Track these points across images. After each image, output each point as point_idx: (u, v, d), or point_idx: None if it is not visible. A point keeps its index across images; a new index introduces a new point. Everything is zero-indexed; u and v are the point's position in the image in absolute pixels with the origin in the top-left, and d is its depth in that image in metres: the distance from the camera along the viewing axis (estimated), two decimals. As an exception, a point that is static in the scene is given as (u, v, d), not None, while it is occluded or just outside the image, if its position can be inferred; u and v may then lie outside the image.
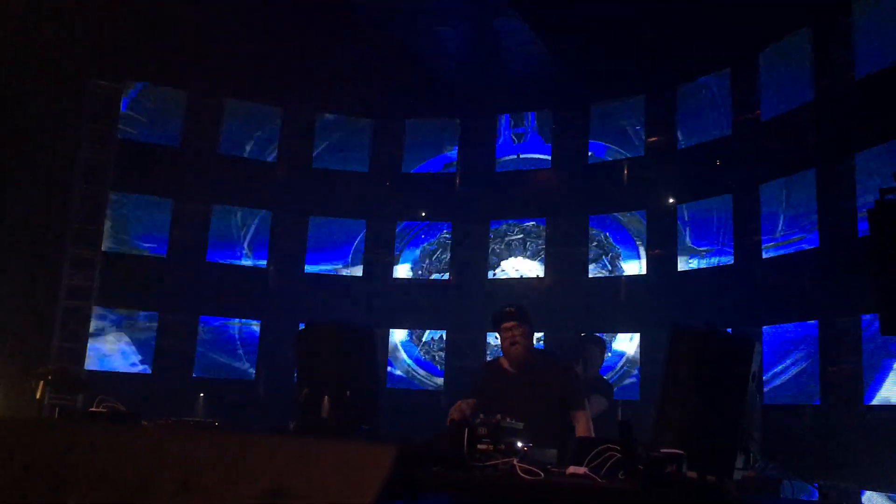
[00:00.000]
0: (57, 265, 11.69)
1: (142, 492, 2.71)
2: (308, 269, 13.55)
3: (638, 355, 11.84)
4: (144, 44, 11.71)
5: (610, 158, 12.81)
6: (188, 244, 12.92)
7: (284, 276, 13.28)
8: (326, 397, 3.81)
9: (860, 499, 7.87)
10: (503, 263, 13.39)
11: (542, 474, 2.80)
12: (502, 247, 13.48)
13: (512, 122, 13.71)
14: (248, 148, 13.64)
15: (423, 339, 13.56)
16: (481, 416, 3.34)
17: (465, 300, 13.08)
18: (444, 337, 13.39)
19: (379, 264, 13.65)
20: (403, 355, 13.45)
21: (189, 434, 3.28)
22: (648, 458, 2.78)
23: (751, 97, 10.82)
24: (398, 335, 13.57)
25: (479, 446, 3.12)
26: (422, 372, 13.39)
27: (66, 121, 11.62)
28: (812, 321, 9.45)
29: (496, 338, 4.59)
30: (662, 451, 2.81)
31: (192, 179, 12.93)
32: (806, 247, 9.74)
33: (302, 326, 4.39)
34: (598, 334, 7.60)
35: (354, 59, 12.45)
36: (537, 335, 5.50)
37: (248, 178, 13.32)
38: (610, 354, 10.89)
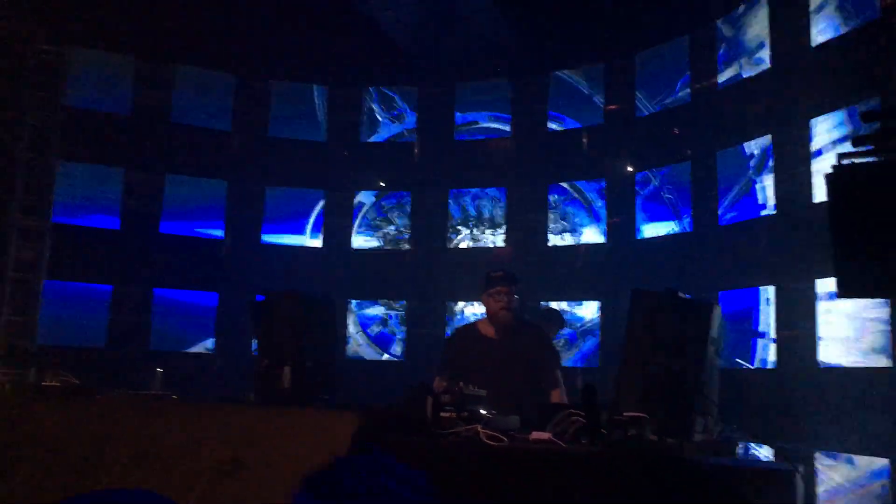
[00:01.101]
0: (4, 237, 11.36)
1: (94, 463, 2.64)
2: (265, 239, 13.37)
3: (598, 320, 11.95)
4: (90, 7, 11.31)
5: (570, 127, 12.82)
6: (141, 215, 12.62)
7: (241, 248, 13.08)
8: (287, 367, 3.77)
9: (814, 460, 8.10)
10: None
11: (506, 440, 2.80)
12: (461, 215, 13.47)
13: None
14: (201, 116, 13.33)
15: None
16: (445, 382, 3.32)
17: (425, 270, 13.04)
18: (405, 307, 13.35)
19: (337, 235, 13.51)
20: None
21: (142, 406, 3.20)
22: (611, 421, 2.80)
23: (709, 65, 10.86)
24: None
25: (442, 414, 3.11)
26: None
27: (8, 88, 11.22)
28: (768, 286, 9.60)
29: (473, 304, 4.60)
30: (625, 414, 2.82)
31: (145, 148, 12.59)
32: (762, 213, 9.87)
33: (261, 298, 4.31)
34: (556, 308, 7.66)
35: (310, 25, 12.20)
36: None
37: (202, 147, 13.03)
38: (566, 329, 11.00)
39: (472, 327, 4.70)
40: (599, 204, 12.41)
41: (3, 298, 11.17)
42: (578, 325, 11.96)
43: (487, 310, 4.47)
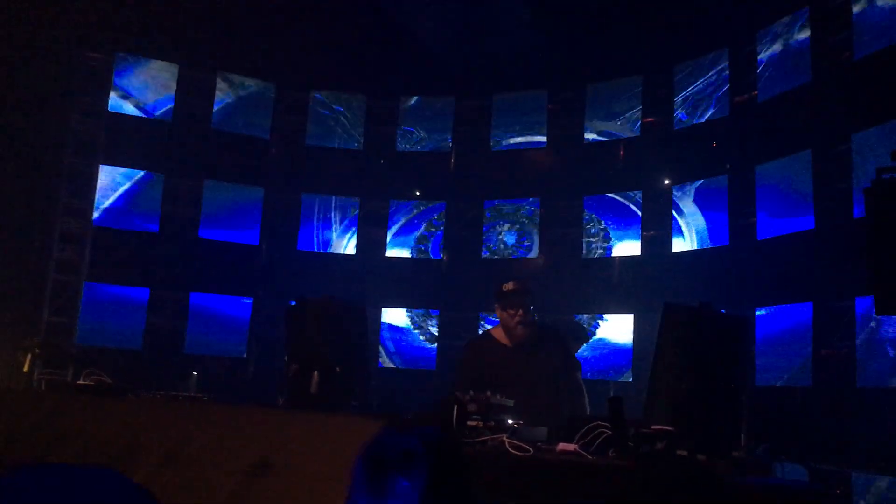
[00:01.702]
0: (47, 239, 11.62)
1: (126, 462, 2.67)
2: (300, 246, 13.49)
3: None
4: (135, 15, 11.55)
5: (606, 139, 12.75)
6: (180, 220, 12.82)
7: (277, 254, 13.22)
8: (316, 373, 3.78)
9: (850, 481, 7.91)
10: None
11: (532, 450, 2.78)
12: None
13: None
14: (240, 123, 13.52)
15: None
16: (471, 392, 3.31)
17: (458, 280, 13.05)
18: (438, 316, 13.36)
19: (372, 243, 13.58)
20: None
21: (175, 406, 3.24)
22: (638, 434, 2.76)
23: (748, 78, 10.75)
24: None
25: (468, 422, 3.10)
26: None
27: (55, 93, 11.50)
28: (806, 303, 9.44)
29: (490, 316, 4.50)
30: (653, 427, 2.79)
31: (185, 154, 12.80)
32: (801, 229, 9.72)
33: (292, 303, 4.32)
34: (583, 325, 7.57)
35: (349, 35, 12.33)
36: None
37: (240, 154, 13.21)
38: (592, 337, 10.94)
39: (487, 336, 4.50)
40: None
41: (45, 299, 11.43)
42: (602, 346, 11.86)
43: (502, 322, 4.33)
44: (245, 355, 13.00)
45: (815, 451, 7.69)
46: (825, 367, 8.90)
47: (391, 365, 13.24)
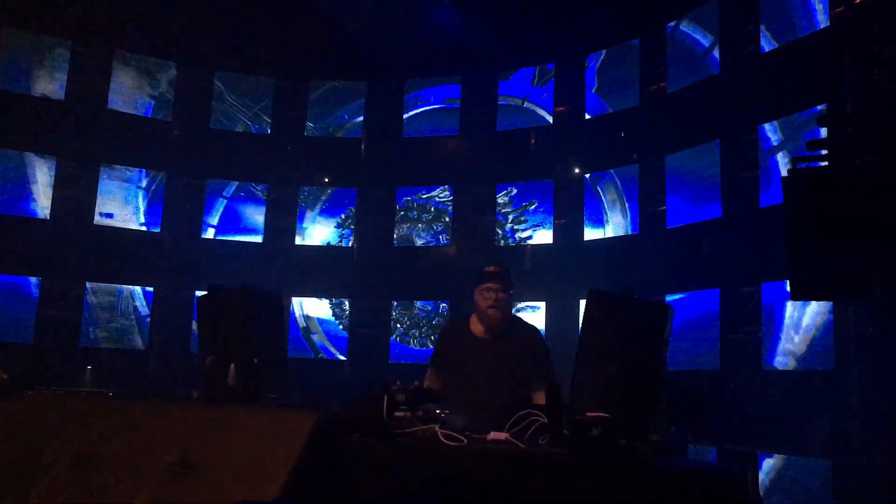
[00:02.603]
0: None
1: (34, 464, 2.46)
2: (205, 234, 13.05)
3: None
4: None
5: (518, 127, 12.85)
6: (74, 206, 12.16)
7: (180, 242, 12.72)
8: (233, 364, 3.62)
9: (756, 460, 8.25)
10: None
11: (465, 440, 2.73)
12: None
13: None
14: (139, 105, 12.94)
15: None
16: (398, 381, 3.24)
17: (369, 268, 12.91)
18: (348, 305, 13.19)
19: (281, 231, 13.27)
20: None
21: (82, 404, 3.03)
22: (576, 421, 2.74)
23: (658, 69, 11.00)
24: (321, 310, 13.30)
25: (397, 413, 3.03)
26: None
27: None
28: (714, 289, 9.75)
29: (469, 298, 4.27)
30: (589, 414, 2.78)
31: (77, 136, 12.14)
32: (709, 217, 10.03)
33: (202, 292, 4.12)
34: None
35: (258, 16, 11.97)
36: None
37: (140, 137, 12.64)
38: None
39: (464, 324, 4.36)
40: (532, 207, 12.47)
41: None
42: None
43: (477, 305, 4.14)
44: (144, 347, 12.50)
45: (725, 432, 7.97)
46: (732, 351, 9.22)
47: (303, 354, 13.01)
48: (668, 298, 9.98)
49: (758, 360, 8.82)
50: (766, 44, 9.46)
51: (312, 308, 13.23)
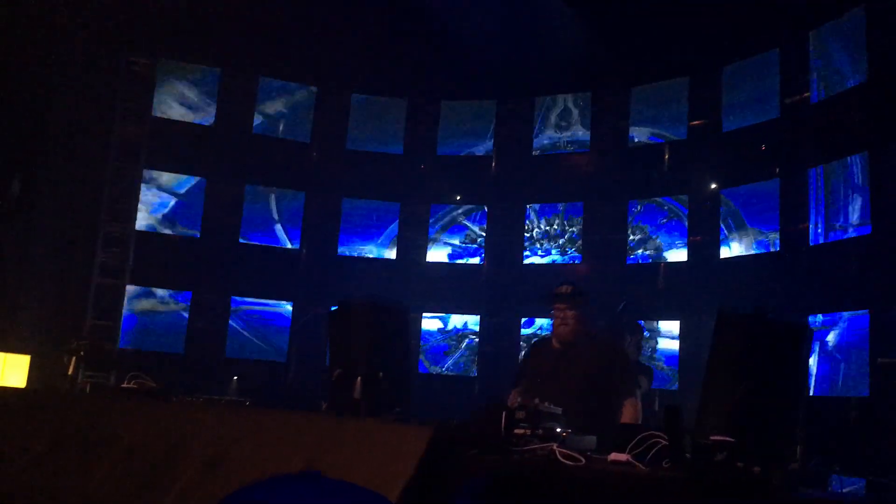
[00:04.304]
0: (91, 242, 11.78)
1: (170, 466, 2.64)
2: (341, 251, 13.50)
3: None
4: (177, 20, 11.67)
5: (651, 141, 12.54)
6: (222, 224, 12.91)
7: (317, 259, 13.23)
8: (359, 378, 3.73)
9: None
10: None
11: (584, 460, 2.69)
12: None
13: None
14: (281, 128, 13.58)
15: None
16: (519, 399, 3.24)
17: (499, 285, 12.94)
18: (478, 323, 13.25)
19: (412, 248, 13.53)
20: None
21: (218, 410, 3.20)
22: (697, 445, 2.65)
23: (800, 78, 10.46)
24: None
25: (516, 430, 3.02)
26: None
27: (100, 98, 11.66)
28: (862, 311, 9.13)
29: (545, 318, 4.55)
30: (712, 438, 2.67)
31: (226, 158, 12.89)
32: (857, 234, 9.42)
33: (334, 307, 4.27)
34: (639, 321, 7.36)
35: (389, 38, 12.31)
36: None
37: (281, 158, 13.28)
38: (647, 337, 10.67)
39: (546, 340, 4.71)
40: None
41: (89, 302, 11.59)
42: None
43: (553, 323, 4.48)
44: (285, 360, 13.04)
45: (873, 463, 7.42)
46: (883, 377, 8.59)
47: (433, 370, 13.17)
48: (811, 319, 9.44)
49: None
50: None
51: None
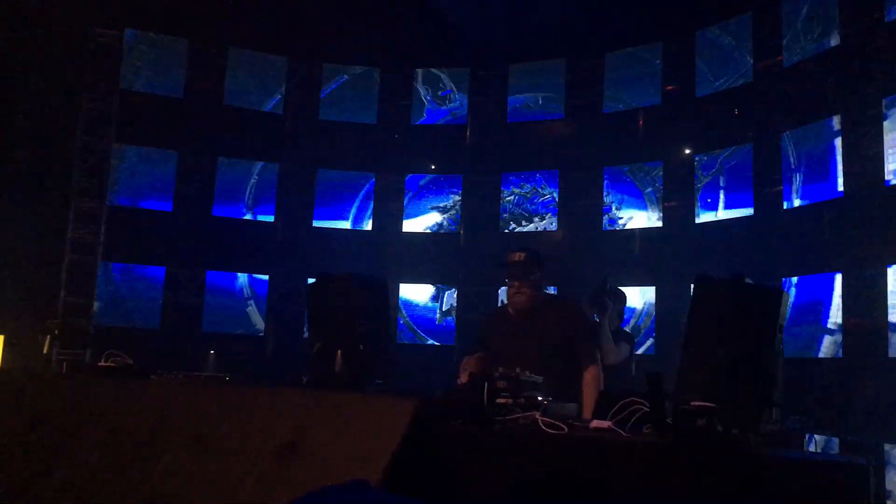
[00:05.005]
0: (62, 219, 11.60)
1: (153, 446, 2.63)
2: (316, 223, 13.43)
3: (649, 308, 11.72)
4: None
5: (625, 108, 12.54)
6: (194, 198, 12.78)
7: (292, 231, 13.16)
8: (340, 351, 3.71)
9: (882, 452, 7.82)
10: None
11: (566, 428, 2.71)
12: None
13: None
14: (253, 99, 13.41)
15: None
16: (500, 369, 3.24)
17: (476, 254, 12.96)
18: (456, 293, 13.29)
19: (388, 218, 13.50)
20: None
21: (200, 388, 3.19)
22: (679, 411, 2.68)
23: (773, 42, 10.49)
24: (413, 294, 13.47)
25: (497, 400, 3.03)
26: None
27: (66, 71, 11.41)
28: (834, 272, 9.26)
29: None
30: (693, 403, 2.70)
31: (198, 131, 12.72)
32: (829, 197, 9.53)
33: (312, 280, 4.24)
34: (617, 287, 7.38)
35: (360, 5, 12.15)
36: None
37: (254, 130, 13.13)
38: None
39: (502, 308, 4.55)
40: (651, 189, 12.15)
41: (61, 279, 11.44)
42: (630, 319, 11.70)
43: (508, 291, 4.25)
44: (262, 333, 13.00)
45: (847, 422, 7.59)
46: (855, 338, 8.75)
47: (412, 341, 13.21)
48: (787, 282, 9.57)
49: (884, 348, 8.33)
50: (891, 12, 8.86)
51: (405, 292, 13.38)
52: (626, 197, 12.38)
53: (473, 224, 13.25)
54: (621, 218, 12.36)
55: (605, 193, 12.47)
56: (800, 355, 9.43)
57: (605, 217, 12.45)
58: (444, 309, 13.36)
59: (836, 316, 9.19)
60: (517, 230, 13.18)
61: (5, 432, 3.16)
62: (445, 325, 13.30)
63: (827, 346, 9.31)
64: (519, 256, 4.19)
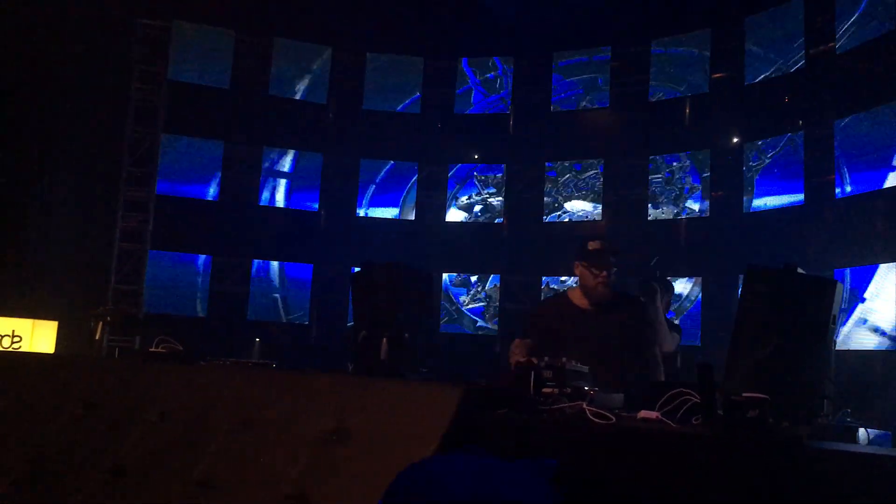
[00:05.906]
0: (112, 208, 11.83)
1: (203, 430, 2.66)
2: (362, 211, 13.50)
3: (694, 295, 11.57)
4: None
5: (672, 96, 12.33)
6: (240, 187, 12.94)
7: (336, 220, 13.25)
8: (385, 339, 3.72)
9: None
10: (566, 205, 13.12)
11: (614, 418, 2.67)
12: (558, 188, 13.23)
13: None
14: (298, 89, 13.50)
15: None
16: (546, 358, 3.21)
17: (519, 243, 12.91)
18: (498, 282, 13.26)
19: (432, 208, 13.50)
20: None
21: (248, 373, 3.22)
22: (730, 402, 2.62)
23: (826, 28, 10.21)
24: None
25: (544, 390, 3.00)
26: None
27: (115, 62, 11.60)
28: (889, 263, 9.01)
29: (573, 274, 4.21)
30: (745, 395, 2.65)
31: (243, 121, 12.86)
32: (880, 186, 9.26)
33: (357, 269, 4.26)
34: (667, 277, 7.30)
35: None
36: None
37: (298, 119, 13.23)
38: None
39: (563, 297, 4.34)
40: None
41: (112, 267, 11.67)
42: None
43: (583, 281, 4.05)
44: (307, 322, 13.13)
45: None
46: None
47: (455, 329, 13.22)
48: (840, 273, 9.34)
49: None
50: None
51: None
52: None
53: (516, 213, 13.19)
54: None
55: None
56: (850, 347, 9.22)
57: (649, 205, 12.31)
58: (477, 297, 13.34)
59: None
60: (563, 218, 13.06)
61: (59, 416, 3.23)
62: (474, 312, 13.29)
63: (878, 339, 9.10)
64: (601, 244, 4.03)
